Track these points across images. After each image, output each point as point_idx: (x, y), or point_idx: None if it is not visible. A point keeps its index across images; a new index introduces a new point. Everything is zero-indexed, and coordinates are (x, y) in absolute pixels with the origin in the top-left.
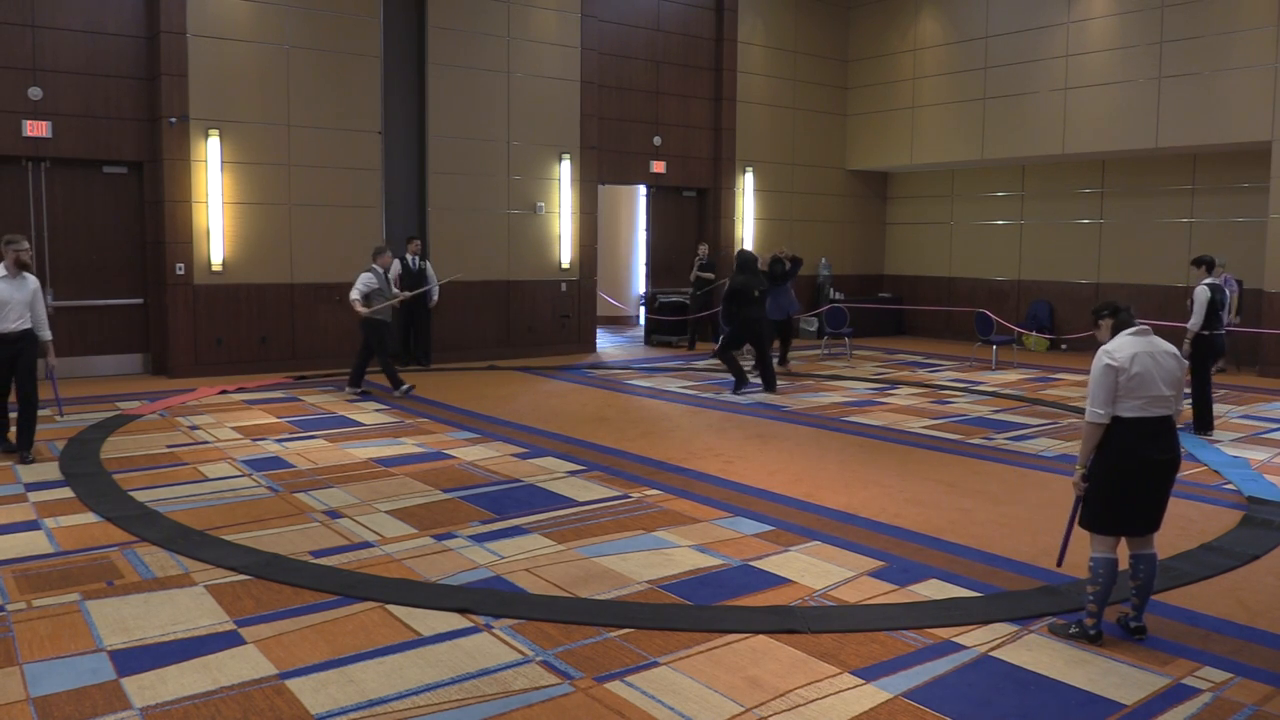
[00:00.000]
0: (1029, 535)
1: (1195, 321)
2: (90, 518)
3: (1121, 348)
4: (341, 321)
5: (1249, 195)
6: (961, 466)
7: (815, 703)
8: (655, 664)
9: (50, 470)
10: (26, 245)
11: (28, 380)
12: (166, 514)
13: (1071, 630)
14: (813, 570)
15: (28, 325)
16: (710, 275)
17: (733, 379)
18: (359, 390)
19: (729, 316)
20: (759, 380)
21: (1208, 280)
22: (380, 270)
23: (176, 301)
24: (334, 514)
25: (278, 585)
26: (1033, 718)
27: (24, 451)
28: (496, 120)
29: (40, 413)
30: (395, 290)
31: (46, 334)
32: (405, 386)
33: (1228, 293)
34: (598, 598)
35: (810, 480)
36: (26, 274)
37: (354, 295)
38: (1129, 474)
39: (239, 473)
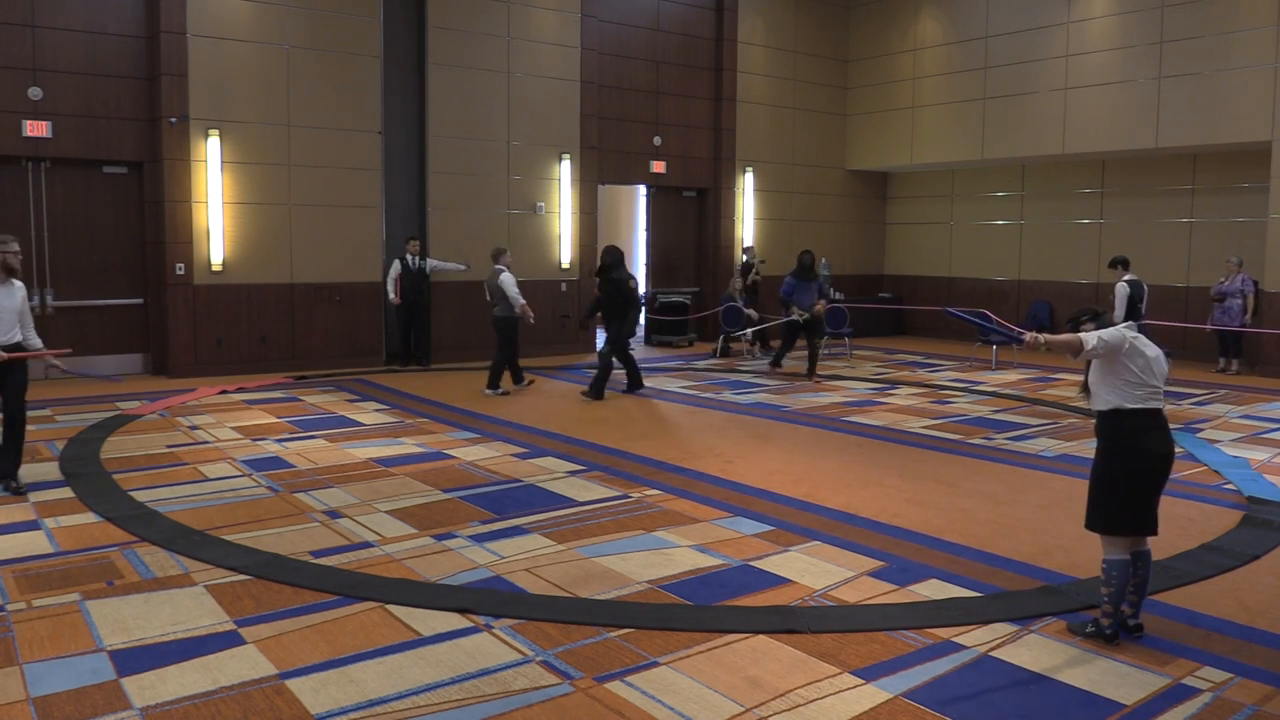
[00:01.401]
0: (1029, 535)
1: (1117, 314)
2: (90, 518)
3: (1138, 336)
4: (341, 321)
5: (1249, 195)
6: (961, 466)
7: (815, 703)
8: (655, 664)
9: (50, 470)
10: (16, 248)
11: (18, 398)
12: (166, 514)
13: (1088, 630)
14: (813, 570)
15: (19, 337)
16: (757, 278)
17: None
18: (524, 382)
19: (636, 315)
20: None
21: (1128, 278)
22: (506, 268)
23: (176, 301)
24: (334, 514)
25: (278, 585)
26: (1033, 718)
27: (9, 480)
28: (496, 120)
29: (39, 416)
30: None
31: (37, 342)
32: (527, 381)
33: (1145, 287)
34: (598, 598)
35: (810, 480)
36: (14, 279)
37: (521, 299)
38: (1142, 473)
39: (239, 473)
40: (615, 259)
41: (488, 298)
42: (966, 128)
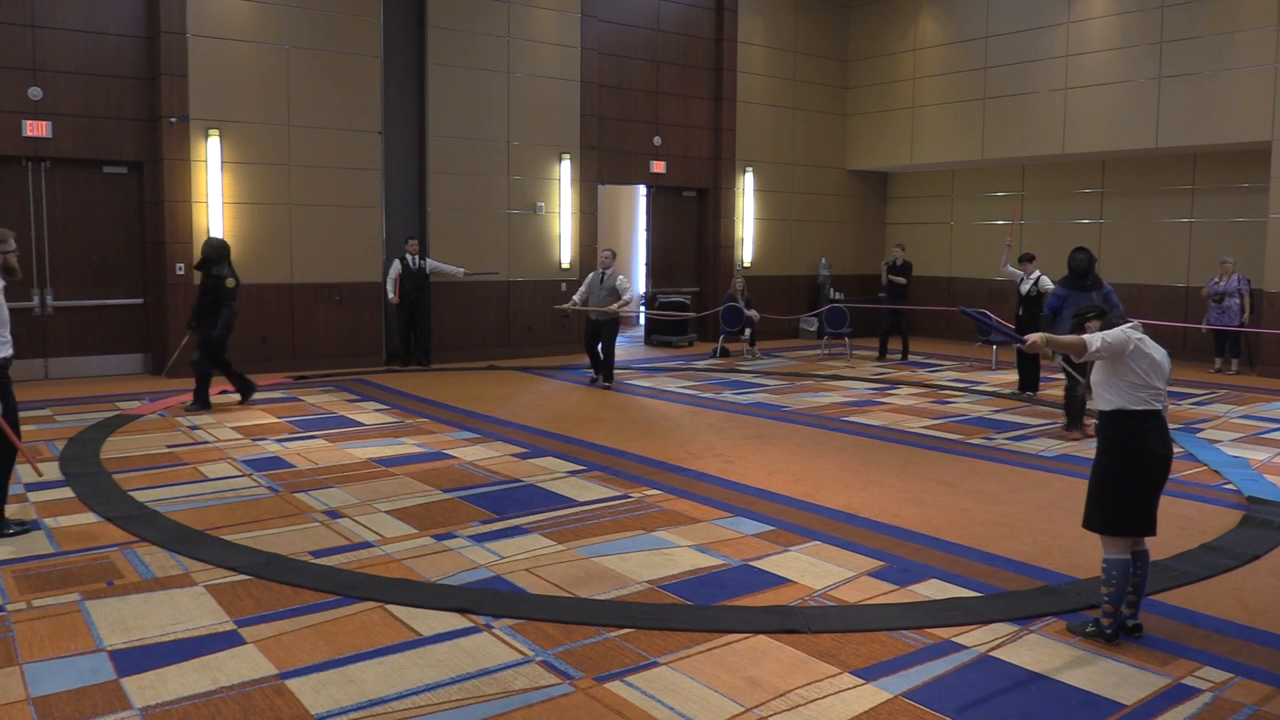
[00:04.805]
0: (1029, 535)
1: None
2: (90, 518)
3: (1143, 338)
4: (341, 321)
5: (1249, 195)
6: (961, 466)
7: (815, 703)
8: (655, 664)
9: (50, 470)
10: (14, 245)
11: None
12: (166, 514)
13: (1088, 630)
14: (813, 570)
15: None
16: (903, 280)
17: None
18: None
19: (228, 317)
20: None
21: (1037, 273)
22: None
23: (176, 301)
24: (334, 514)
25: (278, 585)
26: (1033, 718)
27: None
28: (496, 120)
29: (39, 416)
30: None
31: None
32: (599, 379)
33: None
34: (598, 598)
35: (810, 480)
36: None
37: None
38: (1142, 474)
39: (239, 473)
40: (216, 252)
41: (589, 298)
42: (966, 128)
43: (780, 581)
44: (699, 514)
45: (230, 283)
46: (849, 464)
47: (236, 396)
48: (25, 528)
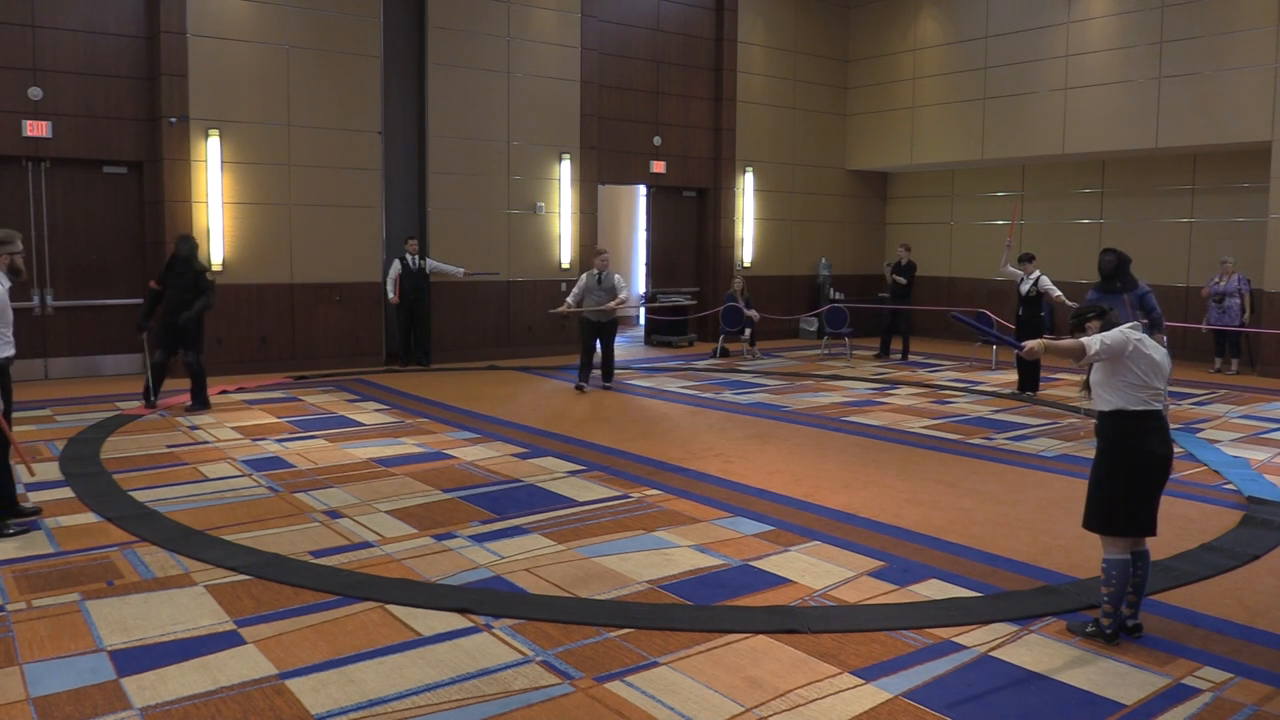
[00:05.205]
0: (1029, 535)
1: (1061, 296)
2: (90, 518)
3: (1142, 338)
4: (341, 322)
5: (1249, 195)
6: (961, 466)
7: (815, 703)
8: (655, 664)
9: (50, 470)
10: (21, 246)
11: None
12: (166, 514)
13: (1088, 630)
14: (813, 570)
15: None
16: (904, 280)
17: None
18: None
19: (204, 306)
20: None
21: (1037, 273)
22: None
23: None
24: (334, 514)
25: (278, 585)
26: (1033, 718)
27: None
28: (496, 120)
29: (39, 416)
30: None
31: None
32: (584, 387)
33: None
34: (598, 598)
35: (810, 480)
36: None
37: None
38: (1142, 474)
39: (239, 473)
40: (194, 249)
41: (585, 299)
42: (966, 128)
43: (780, 581)
44: (699, 514)
45: (210, 275)
46: (849, 464)
47: (236, 396)
48: (26, 527)
